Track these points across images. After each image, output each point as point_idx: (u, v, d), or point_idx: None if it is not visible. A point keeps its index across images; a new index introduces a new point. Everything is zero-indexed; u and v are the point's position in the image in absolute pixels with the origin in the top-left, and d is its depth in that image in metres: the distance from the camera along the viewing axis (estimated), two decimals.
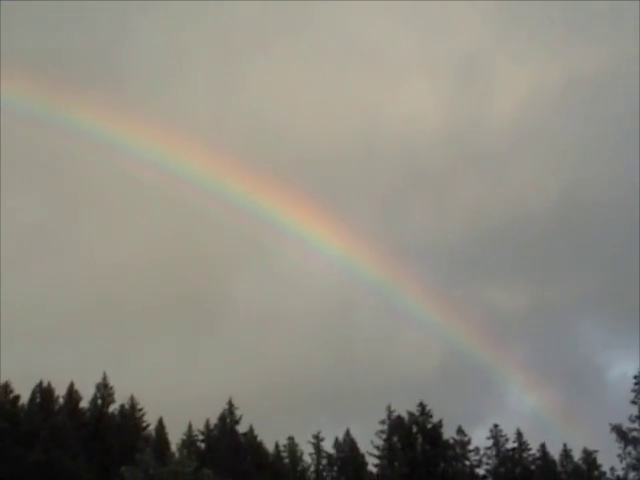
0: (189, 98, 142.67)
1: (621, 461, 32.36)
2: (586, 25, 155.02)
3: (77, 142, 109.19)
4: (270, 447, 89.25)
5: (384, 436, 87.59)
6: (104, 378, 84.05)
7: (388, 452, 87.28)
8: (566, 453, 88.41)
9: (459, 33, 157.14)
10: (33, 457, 70.73)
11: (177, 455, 67.54)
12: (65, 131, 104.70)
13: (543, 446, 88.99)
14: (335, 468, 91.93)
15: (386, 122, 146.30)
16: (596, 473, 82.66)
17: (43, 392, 79.66)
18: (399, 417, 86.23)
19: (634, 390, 32.15)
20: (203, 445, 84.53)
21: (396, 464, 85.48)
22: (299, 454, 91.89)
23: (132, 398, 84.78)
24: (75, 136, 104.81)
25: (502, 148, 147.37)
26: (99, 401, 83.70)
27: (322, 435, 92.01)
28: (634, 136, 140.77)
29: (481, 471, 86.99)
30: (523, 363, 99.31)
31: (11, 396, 78.12)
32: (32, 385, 79.39)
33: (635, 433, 32.04)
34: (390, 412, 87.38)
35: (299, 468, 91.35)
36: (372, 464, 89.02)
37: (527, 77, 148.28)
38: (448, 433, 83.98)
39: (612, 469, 66.44)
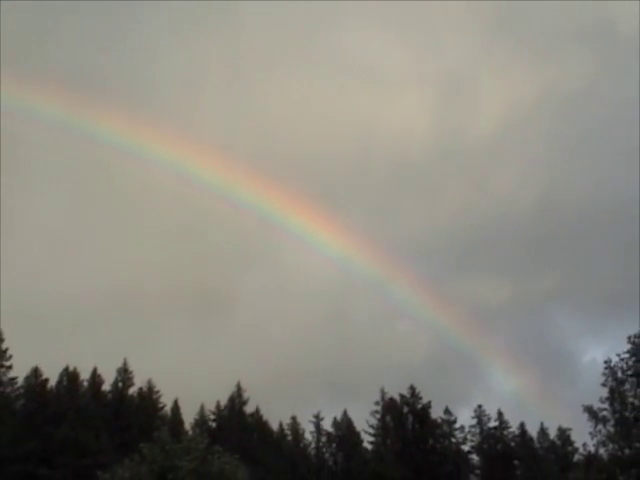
0: (203, 110, 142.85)
1: (592, 438, 32.55)
2: (562, 43, 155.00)
3: (102, 149, 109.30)
4: (275, 426, 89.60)
5: (378, 416, 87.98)
6: (124, 364, 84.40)
7: (381, 431, 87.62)
8: (543, 431, 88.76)
9: (446, 51, 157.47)
10: (60, 435, 71.14)
11: (190, 433, 67.93)
12: (91, 139, 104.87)
13: (522, 425, 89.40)
14: (333, 445, 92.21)
15: (380, 131, 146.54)
16: (570, 449, 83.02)
17: (69, 376, 79.88)
18: (392, 399, 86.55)
19: (604, 374, 32.31)
20: (214, 424, 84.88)
21: (389, 441, 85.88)
22: (301, 432, 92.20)
23: (150, 382, 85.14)
24: (100, 143, 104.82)
25: (484, 155, 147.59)
26: (120, 384, 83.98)
27: (322, 415, 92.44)
28: (604, 145, 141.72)
29: (466, 447, 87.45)
30: (504, 350, 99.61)
31: (40, 380, 78.31)
32: (59, 370, 79.66)
33: (605, 413, 32.18)
34: (383, 394, 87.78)
35: (301, 445, 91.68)
36: (367, 441, 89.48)
37: (507, 91, 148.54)
38: (436, 413, 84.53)
39: (584, 445, 66.38)
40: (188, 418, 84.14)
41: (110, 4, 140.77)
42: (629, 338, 31.49)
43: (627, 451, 30.80)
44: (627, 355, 31.47)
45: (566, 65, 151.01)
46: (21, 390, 78.51)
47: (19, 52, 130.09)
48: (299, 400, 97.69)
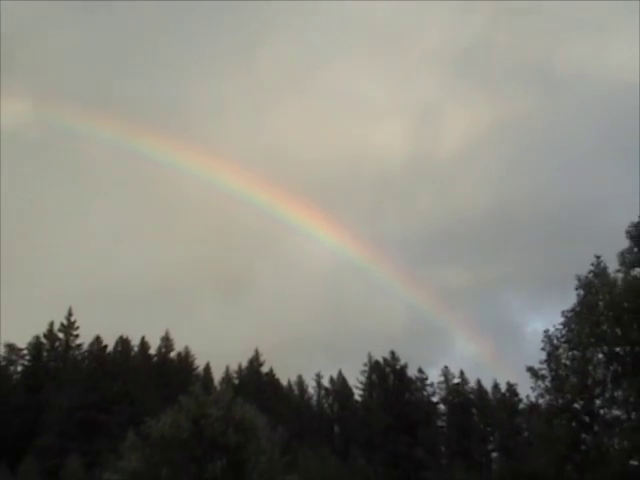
0: (228, 133, 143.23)
1: (533, 391, 32.63)
2: (510, 79, 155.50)
3: (147, 163, 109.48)
4: (284, 383, 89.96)
5: (366, 375, 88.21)
6: (166, 333, 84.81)
7: (368, 386, 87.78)
8: (495, 386, 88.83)
9: (419, 86, 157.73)
10: (116, 389, 71.42)
11: (218, 388, 68.17)
12: (140, 156, 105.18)
13: (479, 381, 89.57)
14: (331, 397, 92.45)
15: (367, 149, 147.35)
16: (516, 399, 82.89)
17: (123, 343, 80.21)
18: (376, 361, 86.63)
19: (543, 341, 32.42)
20: (237, 381, 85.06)
21: (374, 395, 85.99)
22: (305, 388, 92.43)
23: (186, 348, 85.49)
24: (147, 159, 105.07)
25: (449, 168, 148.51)
26: (163, 350, 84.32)
27: (322, 374, 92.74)
28: (544, 158, 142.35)
29: (434, 399, 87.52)
30: (464, 322, 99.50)
31: (101, 346, 78.68)
32: (116, 338, 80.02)
33: (543, 371, 32.18)
34: (370, 357, 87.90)
35: (305, 398, 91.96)
36: (357, 395, 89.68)
37: (467, 117, 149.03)
38: (411, 372, 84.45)
39: (527, 396, 66.42)
40: (217, 376, 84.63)
41: (156, 50, 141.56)
42: (562, 312, 31.60)
43: (560, 401, 30.93)
44: (561, 326, 31.58)
45: (513, 97, 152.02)
46: (86, 354, 78.89)
47: (85, 84, 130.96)
48: (304, 362, 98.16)
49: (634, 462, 28.72)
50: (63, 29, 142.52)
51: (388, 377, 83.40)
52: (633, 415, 29.07)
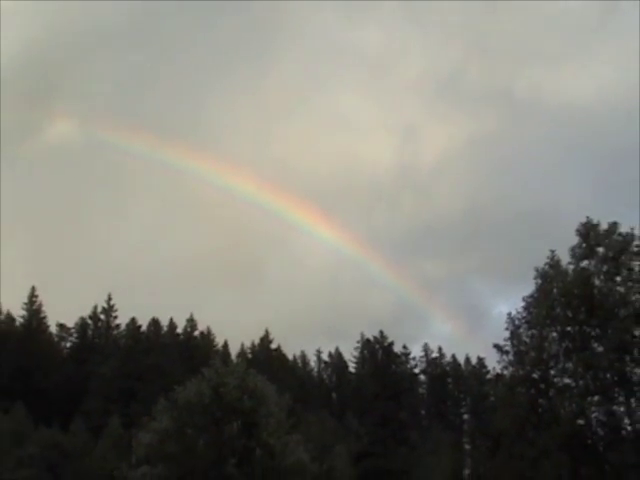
0: (241, 143, 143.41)
1: (498, 364, 32.77)
2: (481, 103, 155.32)
3: (174, 171, 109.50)
4: (290, 357, 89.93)
5: (359, 350, 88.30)
6: (191, 315, 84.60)
7: (361, 360, 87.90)
8: (467, 359, 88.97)
9: (404, 108, 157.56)
10: (149, 362, 71.48)
11: (235, 361, 68.05)
12: (168, 165, 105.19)
13: (454, 355, 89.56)
14: (329, 370, 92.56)
15: (360, 161, 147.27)
16: (484, 371, 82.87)
17: (155, 324, 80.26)
18: (368, 339, 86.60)
19: (507, 322, 32.45)
20: (250, 356, 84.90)
21: (365, 367, 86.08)
22: (307, 361, 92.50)
23: (208, 328, 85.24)
24: (173, 168, 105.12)
25: (430, 179, 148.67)
26: (188, 329, 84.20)
27: (321, 350, 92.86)
28: (513, 175, 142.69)
29: (416, 371, 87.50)
30: (442, 306, 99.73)
31: (136, 325, 78.84)
32: (148, 319, 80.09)
33: (507, 347, 32.21)
34: (362, 336, 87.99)
35: (307, 370, 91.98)
36: (351, 367, 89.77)
37: (445, 134, 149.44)
38: (397, 348, 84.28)
39: (494, 368, 66.40)
40: (233, 352, 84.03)
41: (182, 75, 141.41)
42: (523, 298, 31.70)
43: (521, 372, 31.08)
44: (522, 310, 31.70)
45: (483, 117, 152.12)
46: (123, 332, 79.07)
47: (121, 105, 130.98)
48: (306, 340, 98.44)
49: (581, 422, 28.92)
50: (104, 58, 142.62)
51: (377, 352, 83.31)
52: (580, 383, 29.24)
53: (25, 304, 76.16)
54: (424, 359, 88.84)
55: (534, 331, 31.10)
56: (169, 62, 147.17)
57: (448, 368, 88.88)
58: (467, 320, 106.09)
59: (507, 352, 31.69)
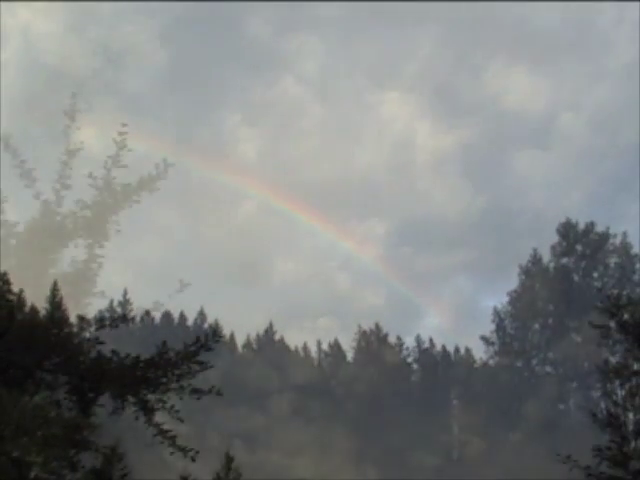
0: (256, 158, 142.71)
1: (485, 353, 32.83)
2: (465, 113, 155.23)
3: (193, 180, 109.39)
4: (292, 348, 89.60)
5: (356, 341, 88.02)
6: (201, 309, 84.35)
7: (358, 350, 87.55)
8: (457, 350, 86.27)
9: (397, 119, 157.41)
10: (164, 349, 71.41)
11: (240, 351, 67.89)
12: (191, 174, 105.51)
13: (444, 346, 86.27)
14: (329, 359, 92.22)
15: (356, 168, 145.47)
16: (472, 360, 79.82)
17: (167, 316, 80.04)
18: (364, 331, 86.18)
19: (492, 315, 32.46)
20: (256, 347, 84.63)
21: (362, 357, 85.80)
22: (308, 352, 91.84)
23: (216, 320, 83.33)
24: (194, 178, 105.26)
25: (421, 181, 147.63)
26: (198, 321, 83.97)
27: (322, 341, 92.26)
28: (499, 178, 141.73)
29: (409, 360, 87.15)
30: (434, 300, 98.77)
31: (150, 318, 78.61)
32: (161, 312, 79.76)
33: (493, 339, 32.43)
34: (360, 328, 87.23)
35: (308, 359, 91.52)
36: (350, 357, 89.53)
37: (433, 143, 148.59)
38: (392, 339, 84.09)
39: (481, 358, 66.12)
40: (239, 343, 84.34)
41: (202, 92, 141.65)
42: (508, 293, 31.98)
43: (506, 361, 31.31)
44: (507, 303, 31.94)
45: (468, 127, 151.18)
46: (139, 325, 78.90)
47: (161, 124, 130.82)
48: (307, 331, 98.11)
49: (561, 406, 29.20)
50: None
51: (373, 343, 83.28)
52: (560, 370, 29.55)
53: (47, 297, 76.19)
54: (417, 349, 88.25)
55: (518, 323, 31.35)
56: (187, 80, 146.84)
57: (439, 358, 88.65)
58: (456, 313, 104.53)
59: (493, 343, 31.99)
